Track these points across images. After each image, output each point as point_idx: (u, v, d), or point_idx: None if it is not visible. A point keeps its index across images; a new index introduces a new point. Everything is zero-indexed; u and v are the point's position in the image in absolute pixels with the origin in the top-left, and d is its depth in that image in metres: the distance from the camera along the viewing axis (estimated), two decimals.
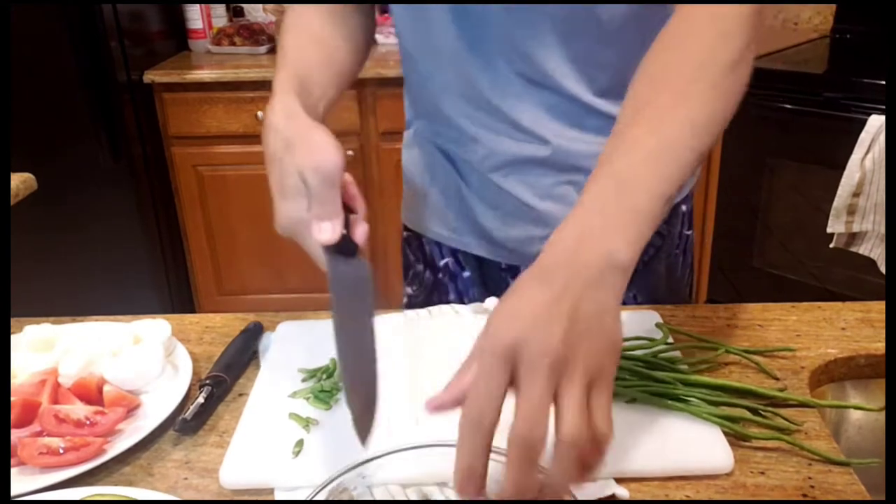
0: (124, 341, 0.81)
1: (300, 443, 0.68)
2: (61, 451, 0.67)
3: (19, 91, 2.14)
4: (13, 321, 0.90)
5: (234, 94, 2.33)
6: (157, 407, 0.74)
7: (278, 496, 0.64)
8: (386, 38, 2.43)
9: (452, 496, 0.61)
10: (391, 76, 2.22)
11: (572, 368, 0.48)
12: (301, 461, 0.66)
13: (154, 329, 0.83)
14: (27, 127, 2.19)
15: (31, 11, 2.08)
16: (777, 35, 2.54)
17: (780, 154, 2.19)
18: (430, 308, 0.90)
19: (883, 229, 1.93)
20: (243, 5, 2.75)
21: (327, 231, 0.65)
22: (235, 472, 0.66)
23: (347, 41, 0.90)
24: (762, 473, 0.64)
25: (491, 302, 0.91)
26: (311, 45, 0.85)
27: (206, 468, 0.68)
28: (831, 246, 2.04)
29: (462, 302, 1.01)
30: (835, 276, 2.17)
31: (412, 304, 1.05)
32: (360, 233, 0.68)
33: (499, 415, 0.48)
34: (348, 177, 0.68)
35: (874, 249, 1.99)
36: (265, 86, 0.78)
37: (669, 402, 0.70)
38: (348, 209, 0.68)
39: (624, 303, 0.60)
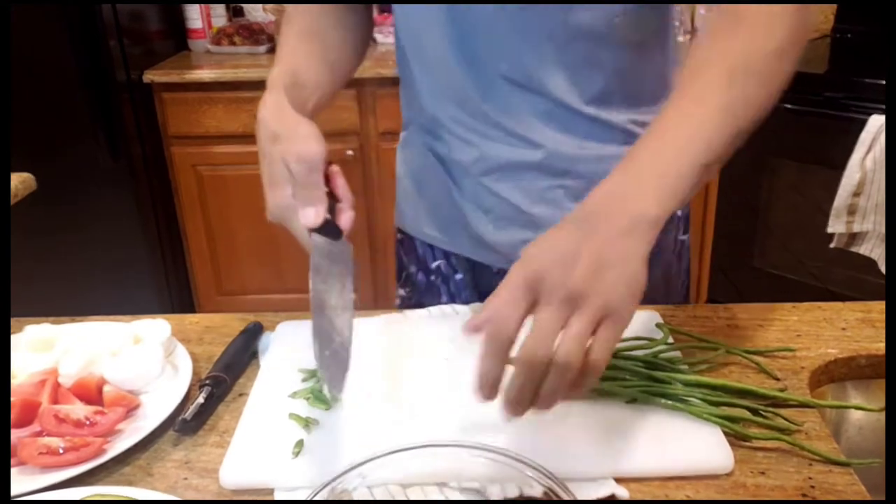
0: (124, 341, 0.81)
1: (300, 443, 0.68)
2: (61, 451, 0.67)
3: (19, 91, 2.14)
4: (13, 321, 0.90)
5: (234, 93, 2.32)
6: (156, 407, 0.74)
7: (278, 496, 0.64)
8: (386, 38, 2.43)
9: (452, 496, 0.61)
10: (391, 76, 2.22)
11: (586, 303, 0.54)
12: (301, 461, 0.66)
13: (154, 329, 0.83)
14: (27, 127, 2.19)
15: (31, 11, 2.08)
16: None
17: (780, 154, 2.19)
18: (430, 308, 0.90)
19: (883, 229, 1.93)
20: (243, 5, 2.75)
21: (311, 215, 0.71)
22: (235, 472, 0.66)
23: (344, 36, 0.91)
24: (762, 473, 0.64)
25: None
26: (307, 40, 0.88)
27: (205, 468, 0.68)
28: (832, 246, 2.04)
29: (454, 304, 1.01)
30: (835, 276, 2.17)
31: (405, 305, 1.05)
32: (345, 219, 0.73)
33: (517, 332, 0.55)
34: (335, 167, 0.74)
35: (874, 249, 1.99)
36: (265, 85, 0.80)
37: (670, 402, 0.70)
38: (334, 198, 0.74)
39: None
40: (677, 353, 0.78)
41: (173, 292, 2.54)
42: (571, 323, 0.54)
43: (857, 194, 1.94)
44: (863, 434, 0.83)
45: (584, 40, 0.80)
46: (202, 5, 2.58)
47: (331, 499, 0.56)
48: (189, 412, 0.73)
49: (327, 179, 0.74)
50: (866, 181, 1.92)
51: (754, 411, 0.70)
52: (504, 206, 0.91)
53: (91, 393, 0.75)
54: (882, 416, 0.80)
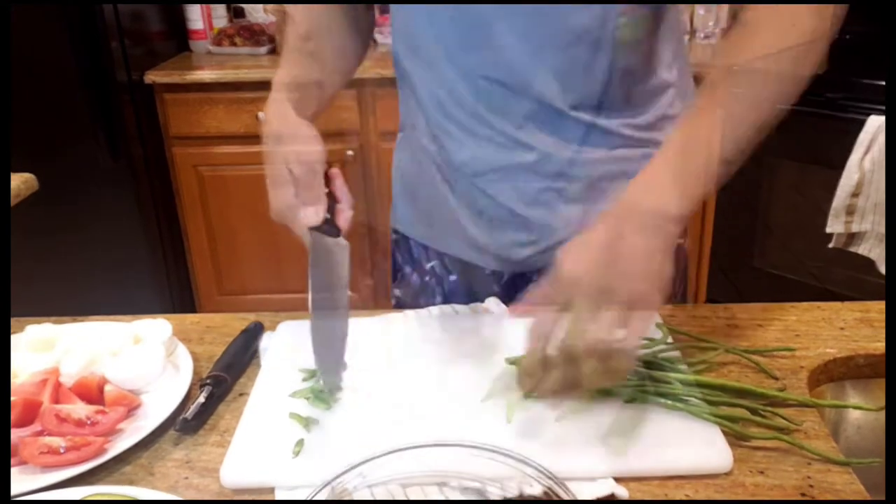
0: (125, 341, 0.81)
1: (300, 443, 0.68)
2: (62, 450, 0.67)
3: (19, 91, 2.14)
4: (14, 321, 0.90)
5: (235, 94, 2.32)
6: (157, 406, 0.74)
7: (278, 496, 0.64)
8: (386, 38, 2.43)
9: (452, 496, 0.61)
10: (391, 76, 2.20)
11: (615, 297, 0.62)
12: (301, 461, 0.66)
13: (155, 329, 0.83)
14: (27, 127, 2.19)
15: (31, 11, 2.09)
16: None
17: (780, 154, 2.19)
18: (430, 308, 0.90)
19: (882, 229, 1.93)
20: (244, 6, 2.75)
21: (311, 214, 0.74)
22: (236, 471, 0.66)
23: (345, 37, 0.91)
24: (761, 473, 0.64)
25: (491, 302, 0.91)
26: (308, 42, 0.89)
27: (206, 468, 0.68)
28: (830, 246, 2.04)
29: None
30: (835, 276, 2.17)
31: (400, 305, 1.05)
32: (344, 219, 0.77)
33: (558, 328, 0.63)
34: (336, 170, 0.77)
35: (873, 249, 1.99)
36: (266, 86, 0.81)
37: (669, 401, 0.70)
38: (334, 199, 0.77)
39: None
40: (676, 353, 0.79)
41: (174, 292, 2.54)
42: (603, 315, 0.61)
43: (855, 195, 1.94)
44: (861, 433, 0.83)
45: (579, 45, 0.80)
46: (203, 6, 2.58)
47: (331, 498, 0.56)
48: (190, 412, 0.73)
49: (327, 180, 0.76)
50: (864, 181, 1.92)
51: (753, 411, 0.70)
52: (497, 208, 0.91)
53: (92, 392, 0.75)
54: (881, 415, 0.81)
